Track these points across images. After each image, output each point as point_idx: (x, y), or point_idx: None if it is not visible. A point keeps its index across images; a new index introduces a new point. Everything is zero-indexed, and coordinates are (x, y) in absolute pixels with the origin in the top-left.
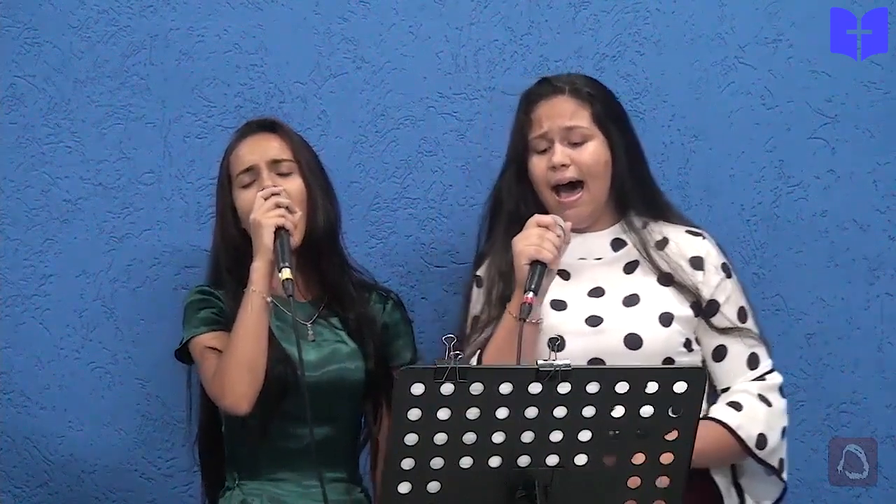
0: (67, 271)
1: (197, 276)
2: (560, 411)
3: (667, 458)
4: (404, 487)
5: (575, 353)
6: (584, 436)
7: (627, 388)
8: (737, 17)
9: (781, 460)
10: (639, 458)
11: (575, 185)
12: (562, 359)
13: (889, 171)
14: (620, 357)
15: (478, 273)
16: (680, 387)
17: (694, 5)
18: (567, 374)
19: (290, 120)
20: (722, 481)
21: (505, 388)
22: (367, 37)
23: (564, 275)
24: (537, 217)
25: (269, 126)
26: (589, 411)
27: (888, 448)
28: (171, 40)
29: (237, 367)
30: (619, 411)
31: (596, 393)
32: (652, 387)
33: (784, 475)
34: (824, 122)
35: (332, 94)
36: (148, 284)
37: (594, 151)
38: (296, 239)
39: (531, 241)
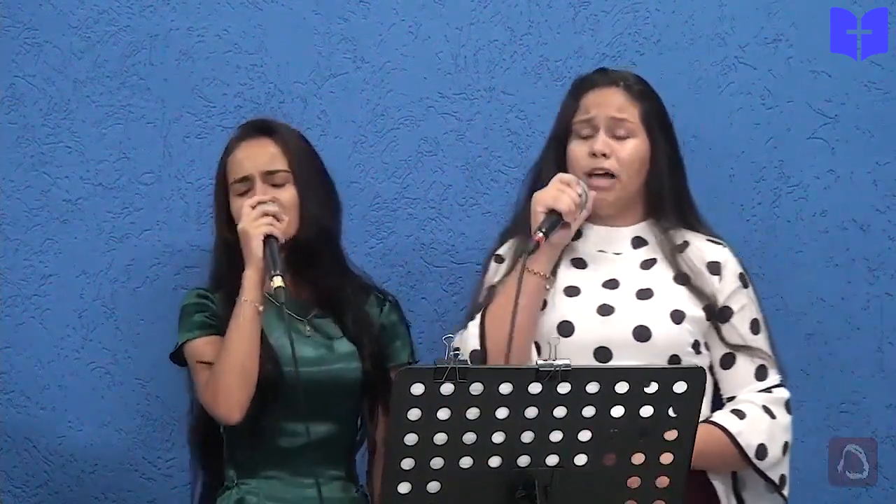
0: (67, 271)
1: (197, 276)
2: (560, 411)
3: (667, 458)
4: (404, 487)
5: (583, 340)
6: (584, 436)
7: (627, 388)
8: (737, 17)
9: (783, 476)
10: (639, 458)
11: (610, 175)
12: (569, 345)
13: (889, 171)
14: (628, 348)
15: (499, 252)
16: (680, 387)
17: (694, 5)
18: (567, 374)
19: (289, 120)
20: (720, 487)
21: (505, 388)
22: (367, 37)
23: (581, 263)
24: (560, 175)
25: (266, 129)
26: (589, 411)
27: (888, 448)
28: (171, 40)
29: (229, 376)
30: (619, 411)
31: (596, 393)
32: (652, 387)
33: (785, 491)
34: (824, 122)
35: (332, 94)
36: (148, 284)
37: (635, 148)
38: (284, 238)
39: (550, 192)
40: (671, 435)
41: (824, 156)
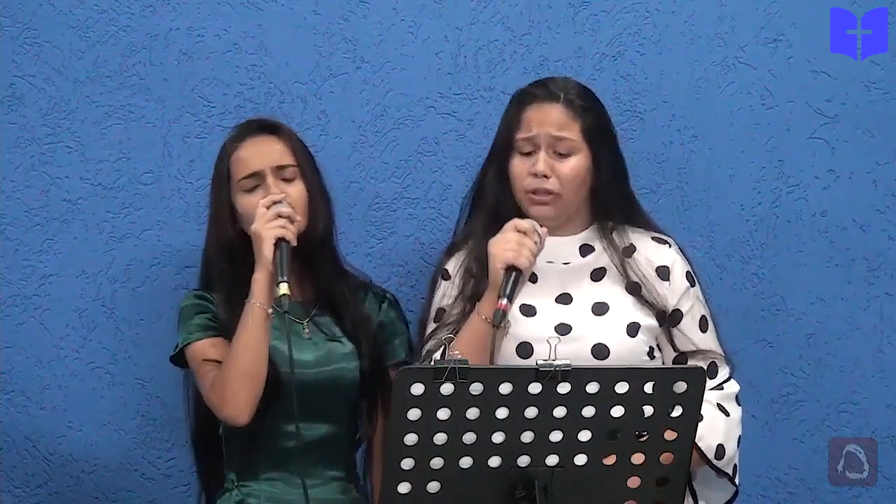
0: (67, 271)
1: (197, 276)
2: (560, 411)
3: (667, 458)
4: (404, 487)
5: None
6: (584, 436)
7: (627, 388)
8: (737, 17)
9: (735, 466)
10: (639, 458)
11: (550, 192)
12: (529, 365)
13: (889, 171)
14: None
15: (446, 267)
16: (680, 387)
17: (694, 5)
18: (567, 374)
19: (290, 120)
20: None
21: (505, 388)
22: (367, 37)
23: (532, 277)
24: (516, 221)
25: (270, 128)
26: (589, 411)
27: (888, 448)
28: (171, 40)
29: (237, 379)
30: (619, 411)
31: (596, 393)
32: (652, 387)
33: (737, 479)
34: (824, 122)
35: (332, 94)
36: (148, 284)
37: (575, 166)
38: (294, 237)
39: (509, 245)
40: (671, 435)
41: (824, 156)
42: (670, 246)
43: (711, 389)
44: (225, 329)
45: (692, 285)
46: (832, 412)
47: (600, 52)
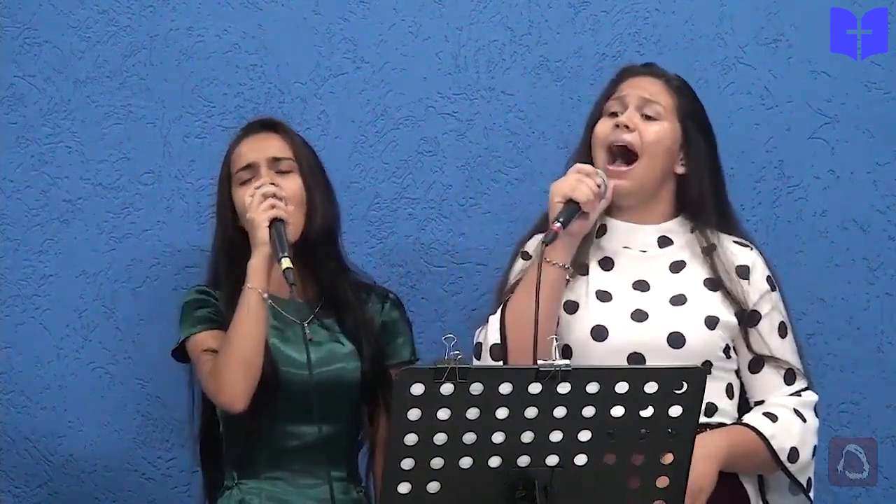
0: (67, 271)
1: (197, 276)
2: (560, 411)
3: (667, 458)
4: (404, 487)
5: (617, 346)
6: (584, 436)
7: (627, 388)
8: (737, 17)
9: (810, 479)
10: (639, 458)
11: (630, 156)
12: (603, 349)
13: (889, 171)
14: (662, 354)
15: (525, 248)
16: (680, 387)
17: (694, 5)
18: (567, 374)
19: (290, 120)
20: (750, 488)
21: (505, 388)
22: (367, 37)
23: (608, 264)
24: (578, 165)
25: (270, 125)
26: (589, 411)
27: (888, 448)
28: (171, 40)
29: (233, 365)
30: (619, 411)
31: (596, 393)
32: (652, 387)
33: (811, 494)
34: (824, 122)
35: (332, 94)
36: (148, 284)
37: (661, 131)
38: (292, 233)
39: (568, 182)
40: (671, 435)
41: (824, 156)
42: (752, 249)
43: (789, 395)
44: (226, 323)
45: (773, 290)
46: (832, 412)
47: (600, 52)
